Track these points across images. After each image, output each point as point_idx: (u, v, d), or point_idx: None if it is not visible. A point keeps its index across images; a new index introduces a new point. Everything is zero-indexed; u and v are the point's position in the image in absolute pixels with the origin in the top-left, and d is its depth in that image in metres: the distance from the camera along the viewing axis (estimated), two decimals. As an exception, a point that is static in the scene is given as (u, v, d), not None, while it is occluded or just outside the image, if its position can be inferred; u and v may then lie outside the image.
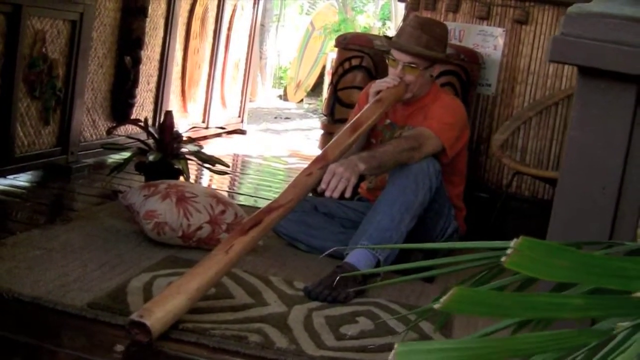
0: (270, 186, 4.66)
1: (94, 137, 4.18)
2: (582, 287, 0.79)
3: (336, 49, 4.12)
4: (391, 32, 11.71)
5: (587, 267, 0.63)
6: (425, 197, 2.78)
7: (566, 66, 3.93)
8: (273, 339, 2.08)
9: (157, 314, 1.97)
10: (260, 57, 11.82)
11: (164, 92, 4.93)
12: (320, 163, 2.55)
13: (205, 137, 5.82)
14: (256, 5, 6.55)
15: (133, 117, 4.46)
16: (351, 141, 2.68)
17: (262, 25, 10.64)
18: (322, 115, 4.18)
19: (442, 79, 3.62)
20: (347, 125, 2.76)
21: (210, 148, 5.48)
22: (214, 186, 4.37)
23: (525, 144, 4.01)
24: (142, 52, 4.46)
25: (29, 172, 3.69)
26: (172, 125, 3.56)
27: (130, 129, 4.31)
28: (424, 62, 2.94)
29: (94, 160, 4.14)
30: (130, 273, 2.46)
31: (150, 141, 3.57)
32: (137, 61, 4.41)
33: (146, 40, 4.51)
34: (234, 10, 6.02)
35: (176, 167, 3.47)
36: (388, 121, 3.10)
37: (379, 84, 2.92)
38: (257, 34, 7.48)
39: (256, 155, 5.82)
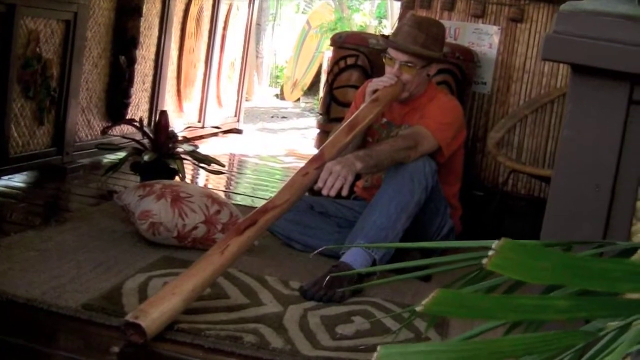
0: (267, 186, 4.65)
1: (89, 137, 4.17)
2: (571, 288, 0.79)
3: (331, 42, 4.12)
4: (387, 31, 11.71)
5: (569, 269, 0.62)
6: (421, 196, 2.78)
7: (561, 64, 3.93)
8: (268, 339, 2.07)
9: (152, 315, 1.97)
10: (257, 56, 11.81)
11: (159, 92, 4.92)
12: (317, 163, 2.54)
13: (201, 137, 5.81)
14: (252, 5, 6.54)
15: (128, 116, 4.45)
16: (347, 140, 2.68)
17: (258, 24, 10.64)
18: (318, 114, 4.17)
19: (438, 77, 3.61)
20: (344, 124, 2.75)
21: (206, 147, 5.47)
22: (210, 186, 4.36)
23: (521, 142, 4.01)
24: (137, 52, 4.45)
25: (24, 173, 3.68)
26: (167, 125, 3.56)
27: (125, 128, 4.30)
28: (421, 61, 2.94)
29: (89, 161, 4.13)
30: (125, 274, 2.46)
31: (146, 141, 3.56)
32: (132, 61, 4.40)
33: (141, 39, 4.50)
34: (229, 10, 6.01)
35: (171, 167, 3.47)
36: (385, 120, 3.10)
37: (375, 83, 2.92)
38: (253, 33, 7.48)
39: (253, 155, 5.81)
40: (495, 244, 0.63)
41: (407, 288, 2.74)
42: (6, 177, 3.52)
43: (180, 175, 3.49)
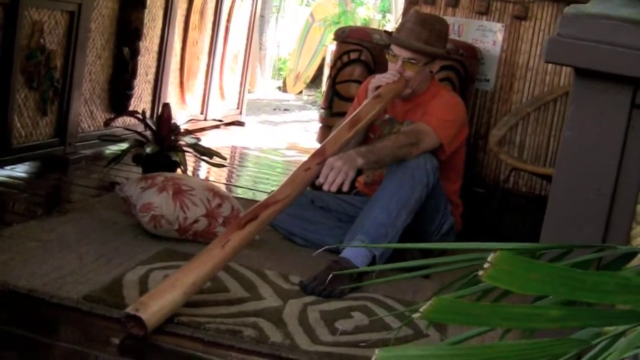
0: (268, 179, 4.66)
1: (92, 128, 4.18)
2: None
3: (334, 37, 4.12)
4: (391, 25, 11.69)
5: (563, 282, 0.63)
6: (422, 193, 2.79)
7: (565, 63, 3.93)
8: (268, 334, 2.08)
9: (153, 308, 1.98)
10: (260, 48, 11.80)
11: (162, 84, 4.92)
12: (318, 158, 2.55)
13: (203, 129, 5.82)
14: (256, -3, 6.54)
15: (131, 108, 4.46)
16: (349, 136, 2.68)
17: (261, 16, 10.62)
18: (320, 108, 4.18)
19: (441, 74, 3.62)
20: (346, 120, 2.75)
21: (208, 140, 5.47)
22: (211, 179, 4.37)
23: (523, 139, 4.01)
24: (141, 44, 4.46)
25: (27, 163, 3.69)
26: (169, 117, 3.56)
27: (127, 120, 4.30)
28: (424, 58, 2.94)
29: (91, 152, 4.14)
30: (126, 266, 2.47)
31: (148, 133, 3.56)
32: (135, 52, 4.40)
33: (145, 31, 4.50)
34: (233, 2, 6.01)
35: (173, 159, 3.47)
36: (387, 116, 3.10)
37: (378, 79, 2.92)
38: (257, 25, 7.47)
39: (254, 148, 5.81)
40: (491, 256, 0.64)
41: (407, 285, 2.75)
42: (9, 168, 3.53)
43: (182, 167, 3.50)
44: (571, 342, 0.64)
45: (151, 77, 4.81)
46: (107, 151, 4.34)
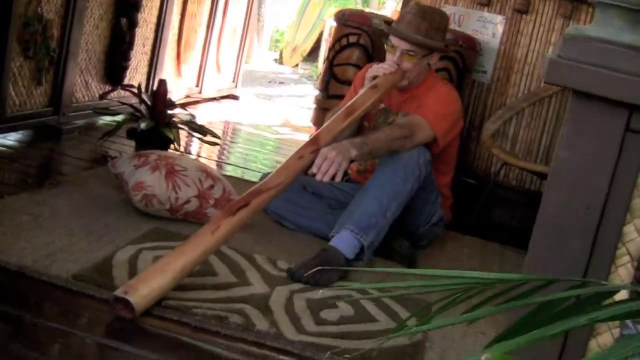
0: (257, 157, 4.67)
1: (86, 98, 4.17)
2: None
3: (334, 19, 4.12)
4: (390, 5, 11.64)
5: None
6: (414, 185, 2.81)
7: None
8: (254, 321, 2.11)
9: (142, 291, 2.00)
10: (258, 20, 11.75)
11: (158, 56, 4.90)
12: (312, 147, 2.56)
13: (197, 102, 5.82)
14: (257, -30, 6.50)
15: (126, 80, 4.45)
16: (344, 126, 2.69)
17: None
18: (316, 82, 4.19)
19: (439, 63, 3.60)
20: (341, 109, 2.76)
21: (201, 113, 5.48)
22: (203, 154, 4.38)
23: (517, 133, 4.03)
24: (139, 15, 4.43)
25: (20, 132, 3.68)
26: (165, 93, 3.55)
27: (122, 93, 4.29)
28: (422, 50, 2.95)
29: (84, 122, 4.13)
30: (116, 244, 2.48)
31: (143, 107, 3.56)
32: (133, 24, 4.38)
33: (143, 2, 4.48)
34: (233, -25, 5.98)
35: (167, 135, 3.47)
36: (382, 106, 3.11)
37: (375, 69, 2.92)
38: (256, -1, 7.43)
39: (247, 123, 5.81)
40: (484, 357, 0.65)
41: (394, 275, 2.78)
42: (1, 136, 3.52)
43: (176, 144, 3.50)
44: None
45: (148, 48, 4.79)
46: (101, 121, 4.34)
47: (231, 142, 5.10)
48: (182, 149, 3.91)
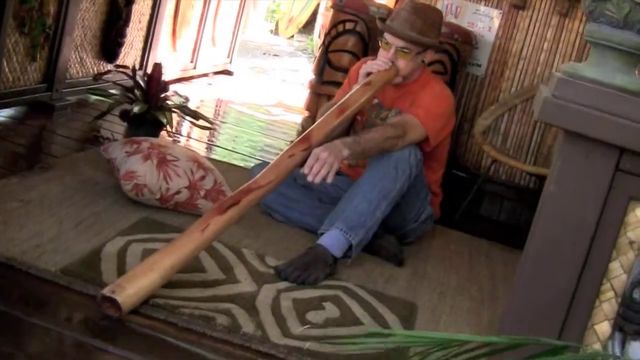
0: (248, 139, 4.67)
1: (80, 74, 4.15)
2: None
3: (332, 4, 4.10)
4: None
5: None
6: (404, 184, 2.82)
7: (558, 56, 3.94)
8: (240, 323, 2.12)
9: (129, 291, 2.01)
10: (255, -11, 11.64)
11: (154, 32, 4.86)
12: (304, 145, 2.56)
13: (191, 77, 5.80)
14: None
15: (121, 56, 4.42)
16: (336, 124, 2.69)
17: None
18: (310, 55, 4.18)
19: (434, 56, 3.61)
20: (334, 106, 2.76)
21: (195, 89, 5.46)
22: (193, 136, 4.37)
23: (508, 128, 4.04)
24: (136, -9, 4.40)
25: (12, 108, 3.66)
26: (159, 76, 3.53)
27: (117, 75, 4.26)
28: (416, 48, 2.94)
29: (77, 98, 4.11)
30: (105, 235, 2.49)
31: (137, 91, 3.54)
32: (130, 0, 4.34)
33: (141, -22, 4.44)
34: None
35: (160, 119, 3.46)
36: (375, 101, 3.11)
37: (370, 66, 2.92)
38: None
39: (240, 102, 5.78)
40: None
41: (380, 273, 2.81)
42: (-6, 112, 3.51)
43: (168, 127, 3.49)
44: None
45: (144, 24, 4.76)
46: (93, 97, 4.31)
47: (222, 122, 5.07)
48: (173, 129, 3.90)
